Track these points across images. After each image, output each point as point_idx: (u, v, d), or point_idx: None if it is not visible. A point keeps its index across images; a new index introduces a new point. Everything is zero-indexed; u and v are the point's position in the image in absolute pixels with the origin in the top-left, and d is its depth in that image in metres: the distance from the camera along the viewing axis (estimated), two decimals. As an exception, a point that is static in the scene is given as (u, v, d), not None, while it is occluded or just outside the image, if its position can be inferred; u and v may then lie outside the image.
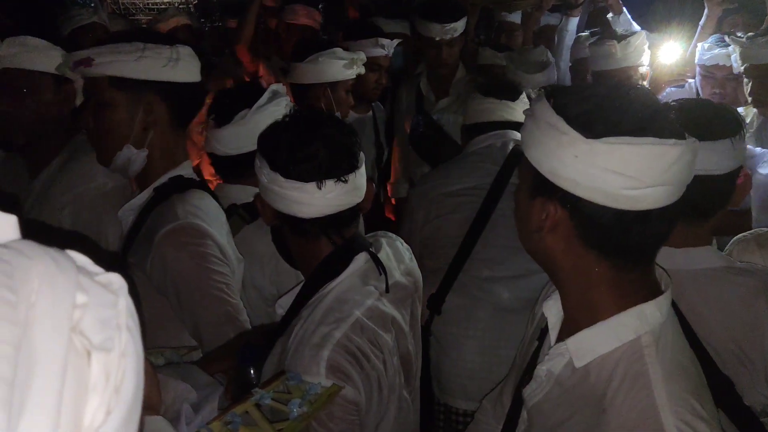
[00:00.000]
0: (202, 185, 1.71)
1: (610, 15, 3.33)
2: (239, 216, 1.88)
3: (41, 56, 1.96)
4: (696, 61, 2.85)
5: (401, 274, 1.45)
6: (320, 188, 1.29)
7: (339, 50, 2.57)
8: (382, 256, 1.39)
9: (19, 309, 0.38)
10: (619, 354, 0.93)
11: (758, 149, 2.25)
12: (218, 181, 2.14)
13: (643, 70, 2.68)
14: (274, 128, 1.38)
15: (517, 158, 2.19)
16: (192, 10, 8.17)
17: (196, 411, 1.23)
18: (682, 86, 3.07)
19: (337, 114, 2.53)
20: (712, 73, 2.79)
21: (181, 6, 8.68)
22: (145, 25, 6.73)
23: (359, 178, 1.35)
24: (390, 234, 1.53)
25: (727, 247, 1.66)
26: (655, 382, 0.89)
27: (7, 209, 0.44)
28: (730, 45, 2.63)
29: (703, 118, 1.35)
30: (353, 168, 1.33)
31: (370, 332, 1.29)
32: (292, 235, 1.39)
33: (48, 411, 0.38)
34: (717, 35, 2.89)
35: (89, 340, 0.42)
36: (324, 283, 1.33)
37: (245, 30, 3.64)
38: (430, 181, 2.39)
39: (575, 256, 0.96)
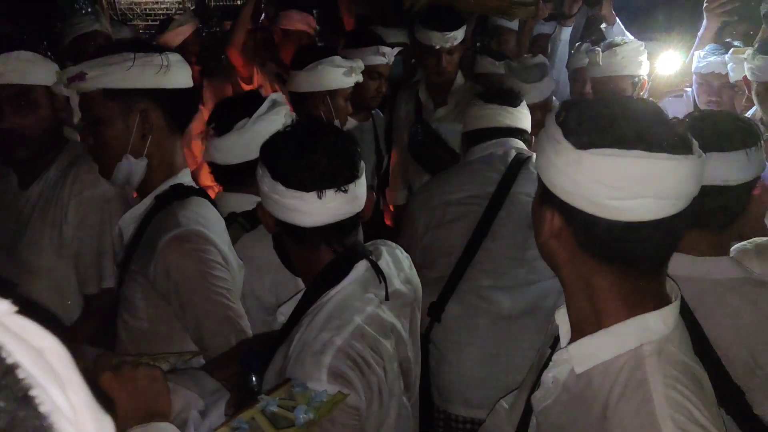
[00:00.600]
0: (202, 193, 1.73)
1: (603, 25, 3.35)
2: (239, 224, 1.89)
3: (36, 69, 1.98)
4: (692, 69, 2.88)
5: (401, 282, 1.46)
6: (320, 198, 1.30)
7: (338, 58, 2.59)
8: (382, 264, 1.40)
9: None
10: (622, 362, 0.95)
11: None
12: (217, 189, 2.15)
13: (638, 80, 2.69)
14: (277, 137, 1.39)
15: (519, 167, 2.22)
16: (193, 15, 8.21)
17: (204, 417, 1.24)
18: (681, 96, 3.09)
19: (337, 122, 2.55)
20: (708, 81, 2.82)
21: (178, 12, 8.72)
22: (142, 32, 6.76)
23: (359, 188, 1.36)
24: (389, 242, 1.54)
25: None
26: (655, 389, 0.90)
27: None
28: (725, 53, 2.66)
29: (718, 130, 1.36)
30: (354, 178, 1.34)
31: (370, 339, 1.30)
32: (293, 243, 1.40)
33: None
34: (713, 44, 2.91)
35: None
36: (325, 290, 1.34)
37: (237, 34, 3.66)
38: (432, 188, 2.40)
39: (578, 264, 0.99)
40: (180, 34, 3.72)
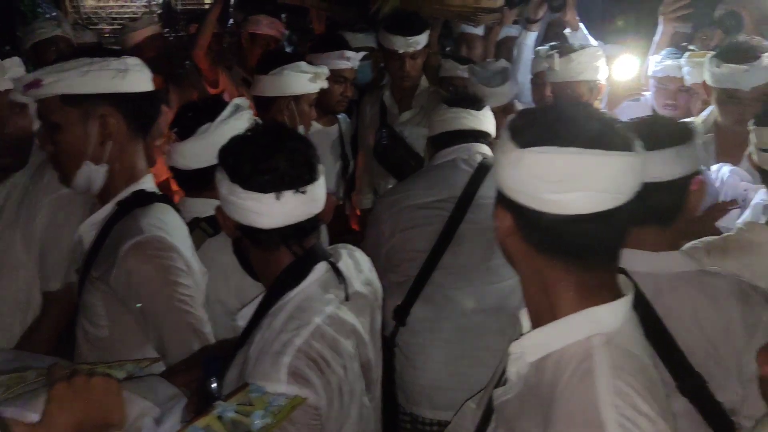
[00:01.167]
0: (165, 199, 1.72)
1: (567, 30, 3.42)
2: (202, 229, 1.88)
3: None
4: (649, 73, 2.95)
5: (361, 283, 1.48)
6: (278, 199, 1.31)
7: (303, 64, 2.60)
8: (341, 265, 1.42)
9: None
10: (572, 353, 0.98)
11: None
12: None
13: (594, 85, 2.74)
14: (235, 141, 1.41)
15: (484, 171, 2.26)
16: (156, 19, 8.13)
17: (159, 424, 1.24)
18: (638, 100, 3.16)
19: (301, 127, 2.56)
20: (664, 84, 2.89)
21: (146, 15, 8.62)
22: (108, 36, 6.67)
23: (318, 190, 1.38)
24: (350, 245, 1.56)
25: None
26: (600, 378, 0.93)
27: None
28: (681, 57, 2.73)
29: (652, 130, 1.42)
30: (312, 179, 1.36)
31: (330, 339, 1.32)
32: (253, 246, 1.41)
33: None
34: (669, 48, 2.99)
35: None
36: (284, 292, 1.35)
37: (202, 37, 3.64)
38: (398, 192, 2.42)
39: (530, 259, 1.03)
40: (139, 35, 3.71)
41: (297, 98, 2.57)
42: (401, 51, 3.16)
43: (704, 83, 2.46)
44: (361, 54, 3.17)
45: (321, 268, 1.39)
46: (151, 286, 1.55)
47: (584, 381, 0.94)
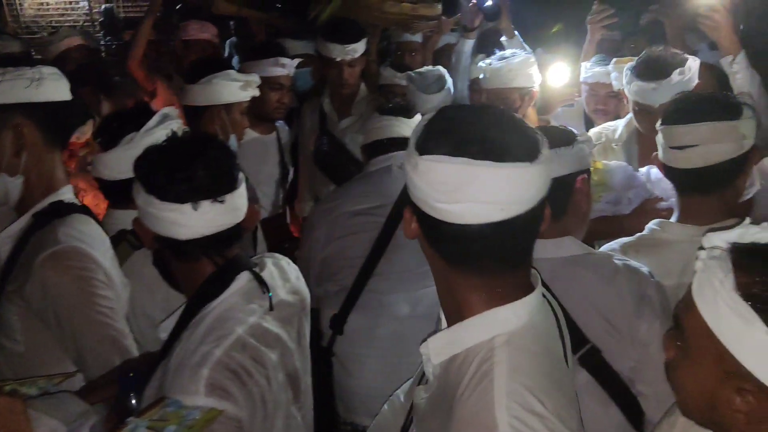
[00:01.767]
0: (85, 210, 1.68)
1: (503, 38, 3.47)
2: (128, 242, 1.84)
3: None
4: (580, 79, 3.02)
5: (287, 292, 1.46)
6: (196, 209, 1.29)
7: (233, 72, 2.57)
8: (265, 275, 1.40)
9: None
10: (475, 354, 0.99)
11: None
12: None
13: (526, 91, 2.79)
14: (150, 151, 1.38)
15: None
16: (97, 28, 7.95)
17: (67, 442, 1.20)
18: (572, 105, 3.23)
19: (233, 135, 2.52)
20: (594, 90, 2.97)
21: (86, 23, 8.42)
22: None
23: (238, 199, 1.36)
24: (276, 254, 1.54)
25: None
26: (498, 380, 0.94)
27: None
28: (608, 63, 2.81)
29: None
30: (231, 189, 1.34)
31: (252, 349, 1.30)
32: (174, 257, 1.39)
33: None
34: (598, 55, 3.07)
35: None
36: (205, 303, 1.33)
37: (137, 46, 3.58)
38: (333, 200, 2.41)
39: (434, 261, 1.04)
40: (58, 48, 3.67)
41: (228, 107, 2.54)
42: (338, 59, 3.17)
43: (622, 91, 2.55)
44: (297, 61, 3.15)
45: (243, 278, 1.37)
46: (68, 298, 1.51)
47: (482, 383, 0.95)
